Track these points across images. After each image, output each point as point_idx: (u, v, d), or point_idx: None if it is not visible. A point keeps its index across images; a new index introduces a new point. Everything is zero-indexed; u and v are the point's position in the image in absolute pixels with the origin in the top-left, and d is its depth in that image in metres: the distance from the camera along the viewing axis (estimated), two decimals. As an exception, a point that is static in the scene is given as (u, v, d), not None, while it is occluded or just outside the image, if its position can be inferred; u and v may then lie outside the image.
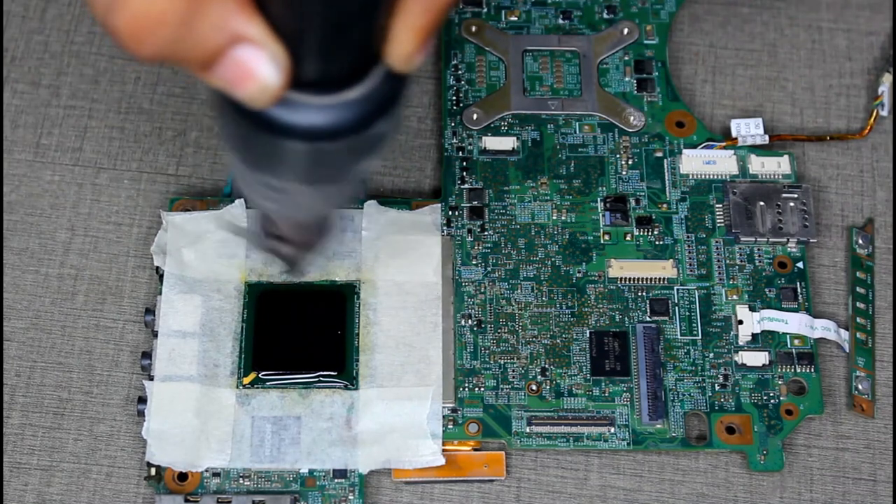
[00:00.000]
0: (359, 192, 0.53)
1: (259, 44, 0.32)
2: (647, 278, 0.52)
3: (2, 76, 0.56)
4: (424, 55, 0.33)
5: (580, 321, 0.51)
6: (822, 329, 0.51)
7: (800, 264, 0.52)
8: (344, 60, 0.33)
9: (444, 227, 0.53)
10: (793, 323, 0.51)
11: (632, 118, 0.55)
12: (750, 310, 0.51)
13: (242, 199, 0.52)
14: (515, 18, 0.57)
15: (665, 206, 0.53)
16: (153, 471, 0.48)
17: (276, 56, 0.32)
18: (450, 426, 0.49)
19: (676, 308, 0.51)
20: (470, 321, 0.51)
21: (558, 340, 0.51)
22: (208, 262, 0.51)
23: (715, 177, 0.54)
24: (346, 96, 0.33)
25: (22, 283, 0.52)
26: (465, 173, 0.54)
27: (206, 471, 0.48)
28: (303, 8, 0.31)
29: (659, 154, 0.54)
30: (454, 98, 0.56)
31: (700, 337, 0.51)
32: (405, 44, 0.32)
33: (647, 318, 0.51)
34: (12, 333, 0.51)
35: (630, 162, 0.54)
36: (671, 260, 0.52)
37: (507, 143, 0.54)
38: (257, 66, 0.32)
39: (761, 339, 0.51)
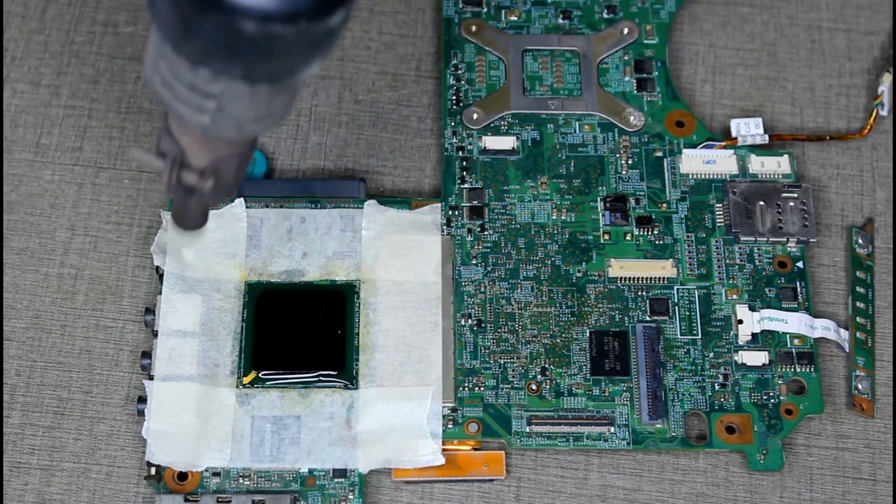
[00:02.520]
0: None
1: None
2: (646, 278, 0.52)
3: (2, 76, 0.56)
4: None
5: (580, 321, 0.51)
6: (822, 329, 0.51)
7: (800, 264, 0.52)
8: None
9: (444, 227, 0.53)
10: (793, 323, 0.51)
11: (632, 118, 0.55)
12: (750, 309, 0.51)
13: (242, 199, 0.52)
14: (515, 18, 0.57)
15: (665, 205, 0.53)
16: (153, 470, 0.48)
17: None
18: (450, 426, 0.49)
19: (676, 308, 0.51)
20: (470, 321, 0.51)
21: (558, 340, 0.51)
22: (208, 262, 0.51)
23: (715, 176, 0.54)
24: None
25: (22, 283, 0.52)
26: (465, 173, 0.54)
27: (206, 470, 0.48)
28: None
29: (659, 154, 0.54)
30: (454, 98, 0.56)
31: (700, 337, 0.51)
32: None
33: (647, 318, 0.51)
34: (12, 333, 0.51)
35: (630, 162, 0.54)
36: (671, 260, 0.52)
37: (507, 142, 0.54)
38: None
39: (761, 339, 0.51)
